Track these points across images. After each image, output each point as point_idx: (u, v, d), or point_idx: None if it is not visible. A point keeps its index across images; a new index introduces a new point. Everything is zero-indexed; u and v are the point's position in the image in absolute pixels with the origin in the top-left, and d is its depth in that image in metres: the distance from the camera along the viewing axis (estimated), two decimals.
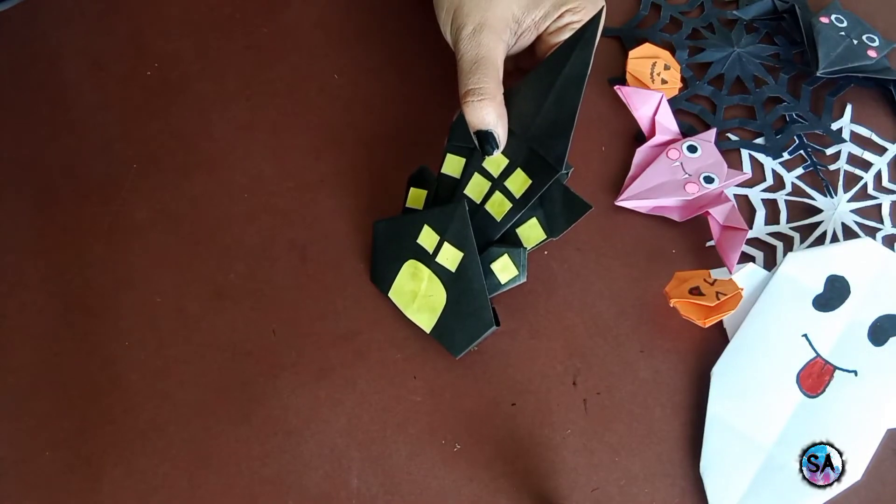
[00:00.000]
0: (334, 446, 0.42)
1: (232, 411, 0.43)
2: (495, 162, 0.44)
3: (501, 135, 0.43)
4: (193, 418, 0.43)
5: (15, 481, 0.41)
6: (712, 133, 0.50)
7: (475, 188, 0.44)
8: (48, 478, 0.41)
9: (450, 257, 0.44)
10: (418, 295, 0.44)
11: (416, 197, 0.46)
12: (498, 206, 0.44)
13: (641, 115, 0.50)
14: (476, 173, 0.44)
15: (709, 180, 0.48)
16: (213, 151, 0.50)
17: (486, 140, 0.43)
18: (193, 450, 0.42)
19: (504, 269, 0.44)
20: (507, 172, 0.43)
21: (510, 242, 0.44)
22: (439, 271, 0.44)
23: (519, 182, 0.43)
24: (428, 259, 0.44)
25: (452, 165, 0.45)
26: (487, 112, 0.42)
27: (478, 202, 0.44)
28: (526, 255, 0.44)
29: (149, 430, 0.42)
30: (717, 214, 0.47)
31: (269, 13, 0.55)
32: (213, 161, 0.50)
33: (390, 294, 0.45)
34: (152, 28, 0.54)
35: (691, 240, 0.48)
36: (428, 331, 0.44)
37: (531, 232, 0.44)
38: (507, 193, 0.43)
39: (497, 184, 0.44)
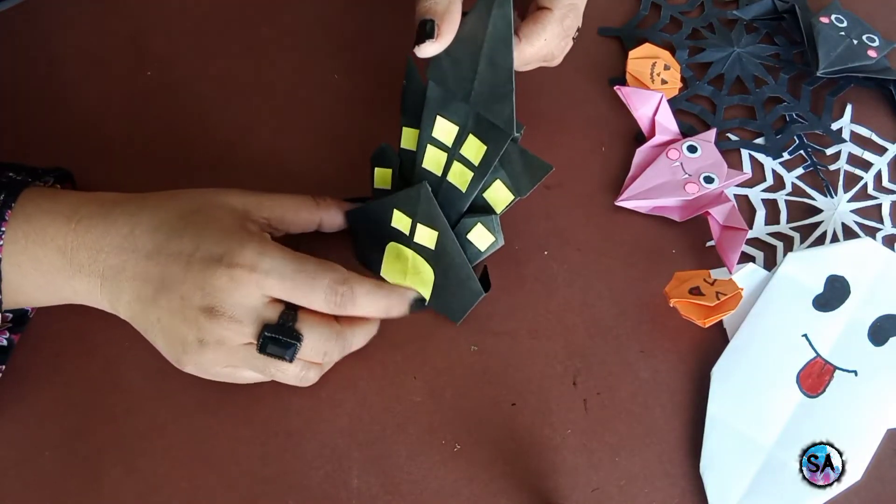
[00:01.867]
0: (334, 446, 0.42)
1: (232, 411, 0.43)
2: (446, 131, 0.43)
3: (445, 30, 0.41)
4: (193, 418, 0.43)
5: (15, 481, 0.41)
6: (712, 133, 0.50)
7: (433, 161, 0.44)
8: (48, 478, 0.41)
9: (426, 236, 0.44)
10: (408, 272, 0.45)
11: (382, 176, 0.46)
12: (460, 177, 0.43)
13: (641, 115, 0.50)
14: (430, 146, 0.44)
15: (709, 180, 0.48)
16: (214, 152, 0.50)
17: (422, 28, 0.41)
18: (193, 450, 0.42)
19: (480, 237, 0.44)
20: (459, 140, 0.43)
21: (480, 209, 0.44)
22: (420, 250, 0.44)
23: (474, 148, 0.43)
24: (406, 240, 0.45)
25: (409, 139, 0.45)
26: (436, 1, 0.40)
27: (439, 175, 0.44)
28: (498, 219, 0.44)
29: (149, 430, 0.42)
30: (717, 214, 0.47)
31: (269, 13, 0.55)
32: (214, 161, 0.50)
33: (382, 273, 0.46)
34: (152, 28, 0.54)
35: (691, 240, 0.48)
36: (425, 303, 0.45)
37: (498, 195, 0.44)
38: (466, 162, 0.43)
39: (453, 153, 0.43)
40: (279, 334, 0.38)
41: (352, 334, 0.41)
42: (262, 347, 0.38)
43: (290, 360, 0.39)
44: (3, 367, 0.42)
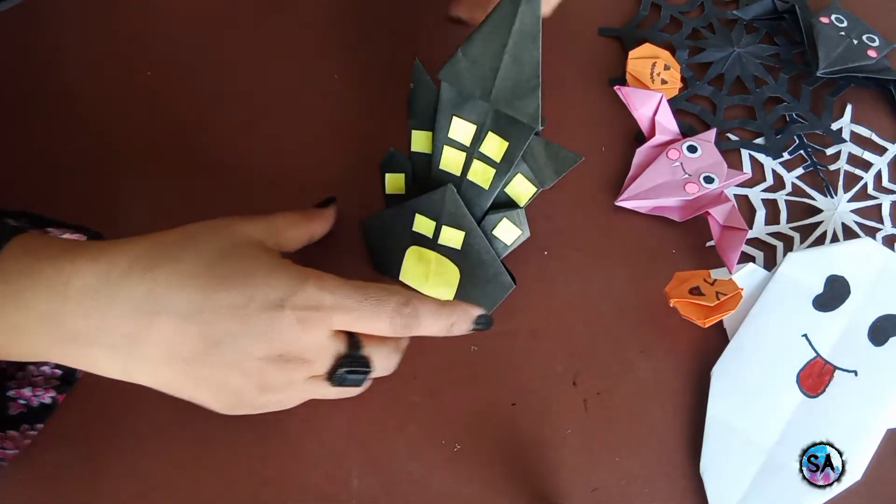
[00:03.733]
0: (334, 446, 0.42)
1: None
2: (463, 131, 0.43)
3: None
4: (193, 418, 0.43)
5: (15, 481, 0.41)
6: (712, 133, 0.50)
7: (451, 162, 0.44)
8: (48, 478, 0.41)
9: (452, 237, 0.44)
10: (430, 274, 0.45)
11: (395, 182, 0.46)
12: (481, 175, 0.43)
13: (641, 115, 0.50)
14: (447, 147, 0.43)
15: (709, 180, 0.48)
16: (213, 152, 0.50)
17: None
18: (193, 450, 0.42)
19: (507, 232, 0.44)
20: (477, 138, 0.43)
21: (503, 204, 0.44)
22: (445, 251, 0.44)
23: (495, 145, 0.42)
24: (430, 243, 0.45)
25: (421, 141, 0.45)
26: None
27: (458, 175, 0.44)
28: (524, 213, 0.44)
29: (149, 431, 0.42)
30: (717, 214, 0.47)
31: (269, 13, 0.55)
32: (213, 161, 0.50)
33: (401, 278, 0.46)
34: (152, 28, 0.54)
35: (691, 240, 0.48)
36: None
37: (521, 188, 0.44)
38: (487, 159, 0.43)
39: (472, 152, 0.43)
40: (353, 366, 0.38)
41: (405, 340, 0.41)
42: (340, 380, 0.38)
43: (361, 385, 0.39)
44: (41, 425, 0.41)
